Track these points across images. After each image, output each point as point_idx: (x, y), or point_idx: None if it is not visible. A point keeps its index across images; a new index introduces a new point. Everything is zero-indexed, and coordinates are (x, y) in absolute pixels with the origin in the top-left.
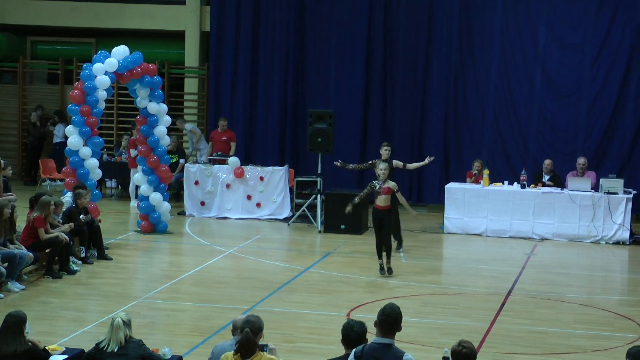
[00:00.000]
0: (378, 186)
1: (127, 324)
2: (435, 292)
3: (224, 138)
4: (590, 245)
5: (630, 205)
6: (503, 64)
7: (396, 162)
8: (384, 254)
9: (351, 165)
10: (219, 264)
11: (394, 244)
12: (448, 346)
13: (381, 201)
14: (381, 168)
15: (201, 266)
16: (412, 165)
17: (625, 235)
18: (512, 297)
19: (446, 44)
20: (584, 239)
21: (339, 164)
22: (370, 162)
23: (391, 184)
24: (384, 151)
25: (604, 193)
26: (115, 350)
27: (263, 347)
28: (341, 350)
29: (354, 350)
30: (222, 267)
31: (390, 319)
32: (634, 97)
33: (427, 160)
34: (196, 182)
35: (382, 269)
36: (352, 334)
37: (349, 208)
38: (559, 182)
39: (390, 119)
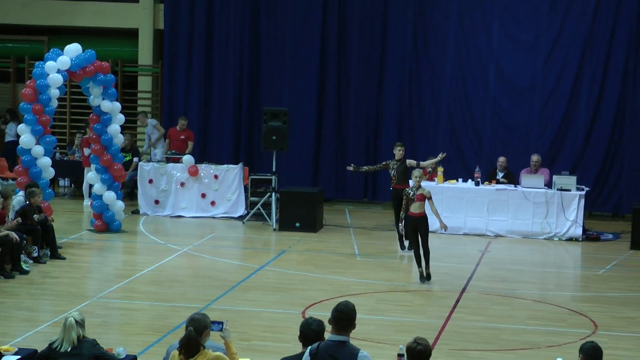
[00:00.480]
0: (412, 193)
1: (80, 323)
2: (390, 290)
3: (182, 137)
4: (543, 242)
5: (582, 201)
6: (457, 62)
7: (410, 162)
8: (422, 261)
9: (365, 167)
10: (174, 262)
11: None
12: (403, 343)
13: (415, 208)
14: (415, 175)
15: (155, 265)
16: (425, 163)
17: (578, 231)
18: (466, 294)
19: (401, 42)
20: (538, 236)
21: (352, 168)
22: (384, 163)
23: (425, 191)
24: (398, 151)
25: (557, 190)
26: (69, 350)
27: (220, 325)
28: (297, 348)
29: (309, 348)
30: (176, 265)
31: (343, 316)
32: (587, 94)
33: (440, 157)
34: (150, 181)
35: (422, 276)
36: (310, 332)
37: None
38: (512, 179)
39: (344, 117)
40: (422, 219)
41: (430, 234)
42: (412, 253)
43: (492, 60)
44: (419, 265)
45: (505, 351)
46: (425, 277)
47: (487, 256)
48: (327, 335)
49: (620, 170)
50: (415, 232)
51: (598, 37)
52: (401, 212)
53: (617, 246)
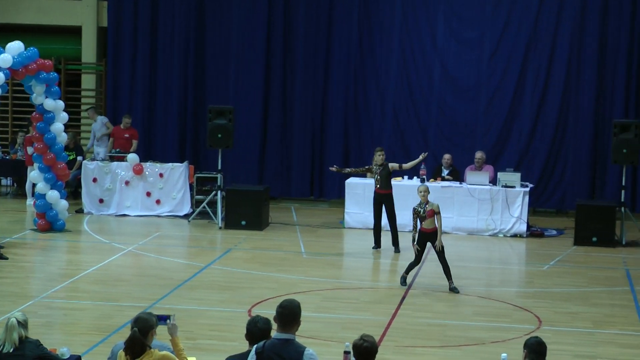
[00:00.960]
0: (422, 210)
1: (23, 324)
2: (336, 287)
3: (126, 135)
4: (488, 238)
5: (527, 198)
6: (402, 59)
7: (392, 165)
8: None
9: (347, 169)
10: (119, 261)
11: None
12: (349, 340)
13: (428, 224)
14: (420, 191)
15: (100, 264)
16: (408, 165)
17: (523, 228)
18: (412, 291)
19: (346, 39)
20: (483, 232)
21: (334, 169)
22: (366, 167)
23: (434, 206)
24: (379, 157)
25: (502, 187)
26: (11, 351)
27: (166, 319)
28: (243, 347)
29: (255, 346)
30: (121, 264)
31: (287, 312)
32: (531, 91)
33: (421, 157)
34: (94, 180)
35: (404, 280)
36: (256, 330)
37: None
38: (457, 176)
39: (290, 114)
40: (435, 234)
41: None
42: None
43: (436, 58)
44: (407, 272)
45: (450, 347)
46: (452, 290)
47: (432, 253)
48: (274, 333)
49: (563, 167)
50: (424, 248)
51: (542, 34)
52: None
53: (561, 242)
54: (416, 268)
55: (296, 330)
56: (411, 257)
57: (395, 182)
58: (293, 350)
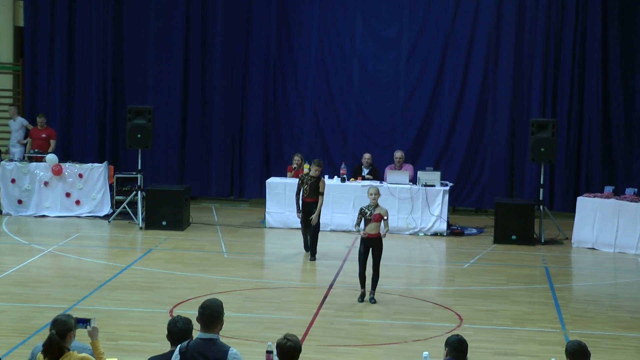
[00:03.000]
0: (368, 213)
1: None
2: (258, 287)
3: (44, 135)
4: (409, 237)
5: (447, 197)
6: (321, 58)
7: (322, 184)
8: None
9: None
10: (38, 263)
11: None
12: (271, 340)
13: (372, 229)
14: (371, 193)
15: (19, 266)
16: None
17: (443, 226)
18: (333, 290)
19: (265, 37)
20: (403, 231)
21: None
22: (300, 181)
23: (382, 210)
24: (315, 170)
25: (422, 186)
26: None
27: (86, 323)
28: (165, 347)
29: (178, 346)
30: (41, 266)
31: (209, 312)
32: (449, 90)
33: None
34: (13, 180)
35: (362, 296)
36: (176, 330)
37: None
38: (377, 175)
39: (209, 114)
40: (378, 240)
41: (297, 231)
42: (232, 248)
43: (355, 57)
44: (362, 286)
45: (372, 346)
46: (369, 300)
47: (353, 252)
48: (197, 333)
49: (482, 166)
50: (367, 252)
51: (459, 33)
52: (355, 225)
53: (481, 240)
54: (338, 267)
55: (220, 330)
56: (335, 262)
57: None
58: (217, 350)
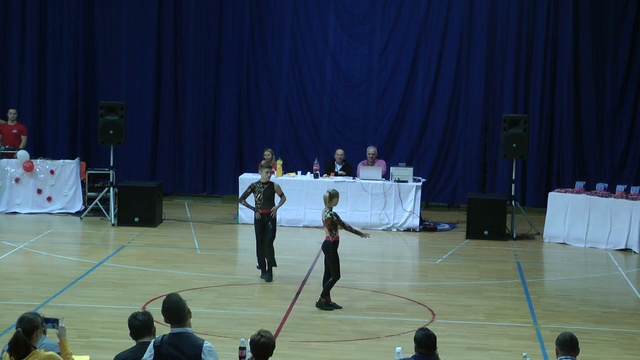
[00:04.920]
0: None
1: None
2: (231, 283)
3: (15, 131)
4: (382, 233)
5: (419, 193)
6: (294, 54)
7: (278, 186)
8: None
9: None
10: (9, 260)
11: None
12: (244, 336)
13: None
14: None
15: None
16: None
17: (416, 222)
18: (307, 286)
19: (238, 32)
20: (376, 227)
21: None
22: (248, 189)
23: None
24: (265, 174)
25: (395, 181)
26: None
27: (54, 323)
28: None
29: (152, 341)
30: (12, 263)
31: (173, 307)
32: (421, 86)
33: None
34: None
35: (333, 305)
36: (137, 322)
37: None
38: (350, 171)
39: (181, 109)
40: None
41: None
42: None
43: (328, 52)
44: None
45: (346, 342)
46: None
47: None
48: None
49: (454, 161)
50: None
51: (432, 29)
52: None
53: (453, 236)
54: (311, 263)
55: (189, 323)
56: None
57: (288, 177)
58: (191, 344)
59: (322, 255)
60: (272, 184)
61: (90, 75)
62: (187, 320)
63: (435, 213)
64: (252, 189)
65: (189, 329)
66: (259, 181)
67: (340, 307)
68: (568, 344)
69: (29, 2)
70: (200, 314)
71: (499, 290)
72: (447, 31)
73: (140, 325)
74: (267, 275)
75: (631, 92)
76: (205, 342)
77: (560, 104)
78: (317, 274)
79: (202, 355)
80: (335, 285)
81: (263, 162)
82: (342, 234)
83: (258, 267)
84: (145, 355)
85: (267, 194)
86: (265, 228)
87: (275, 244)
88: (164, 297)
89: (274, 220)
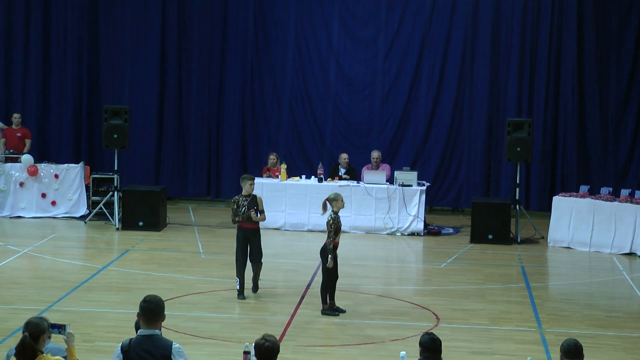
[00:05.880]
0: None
1: None
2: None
3: (19, 134)
4: (386, 237)
5: (424, 197)
6: (298, 58)
7: (260, 199)
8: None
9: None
10: (13, 264)
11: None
12: (249, 340)
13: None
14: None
15: None
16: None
17: (420, 226)
18: (311, 290)
19: (242, 37)
20: (380, 231)
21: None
22: (232, 203)
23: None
24: (249, 186)
25: (399, 185)
26: None
27: (61, 329)
28: None
29: (120, 344)
30: (16, 267)
31: (153, 305)
32: (425, 90)
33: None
34: None
35: (339, 308)
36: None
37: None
38: (355, 175)
39: (186, 114)
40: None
41: (274, 231)
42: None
43: (332, 56)
44: (332, 297)
45: (350, 346)
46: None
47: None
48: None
49: (458, 165)
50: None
51: (436, 32)
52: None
53: (458, 240)
54: (315, 267)
55: (161, 325)
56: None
57: (292, 181)
58: (160, 346)
59: None
60: (255, 196)
61: (94, 79)
62: (159, 322)
63: (439, 217)
64: (236, 204)
65: (157, 331)
66: (241, 194)
67: (344, 311)
68: (572, 351)
69: (33, 6)
70: (204, 318)
71: (504, 295)
72: (450, 35)
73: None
74: (253, 288)
75: (635, 96)
76: (173, 343)
77: (565, 108)
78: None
79: (172, 357)
80: (339, 289)
81: (272, 156)
82: (342, 238)
83: (239, 293)
84: (113, 358)
85: (251, 207)
86: (251, 243)
87: (279, 247)
88: (168, 301)
89: (259, 237)
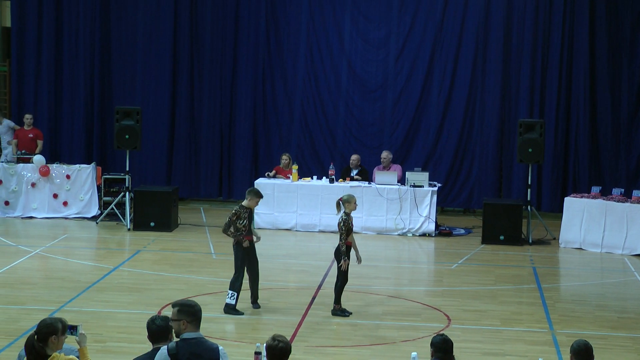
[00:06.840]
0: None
1: None
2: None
3: (31, 135)
4: (397, 238)
5: (435, 197)
6: (310, 59)
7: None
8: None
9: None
10: (25, 264)
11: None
12: (260, 341)
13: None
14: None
15: (6, 267)
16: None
17: (431, 227)
18: (322, 291)
19: (253, 38)
20: (392, 232)
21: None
22: (234, 213)
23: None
24: (254, 202)
25: (410, 186)
26: None
27: (73, 330)
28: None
29: (165, 348)
30: (28, 267)
31: (198, 308)
32: (437, 91)
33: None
34: None
35: (346, 311)
36: (155, 327)
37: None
38: (366, 176)
39: (197, 115)
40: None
41: (286, 232)
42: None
43: (343, 57)
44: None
45: (361, 347)
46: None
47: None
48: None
49: (470, 166)
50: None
51: (447, 33)
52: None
53: (469, 241)
54: (326, 268)
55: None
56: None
57: (303, 182)
58: (208, 349)
59: None
60: (252, 210)
61: (106, 80)
62: (199, 326)
63: (450, 218)
64: (237, 216)
65: (201, 334)
66: (243, 206)
67: (351, 313)
68: (583, 352)
69: (45, 8)
70: (216, 318)
71: (515, 296)
72: (462, 36)
73: (156, 330)
74: (255, 305)
75: None
76: (218, 345)
77: (576, 108)
78: (333, 279)
79: None
80: (350, 290)
81: (284, 156)
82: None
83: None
84: None
85: (251, 220)
86: (252, 255)
87: (290, 248)
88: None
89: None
